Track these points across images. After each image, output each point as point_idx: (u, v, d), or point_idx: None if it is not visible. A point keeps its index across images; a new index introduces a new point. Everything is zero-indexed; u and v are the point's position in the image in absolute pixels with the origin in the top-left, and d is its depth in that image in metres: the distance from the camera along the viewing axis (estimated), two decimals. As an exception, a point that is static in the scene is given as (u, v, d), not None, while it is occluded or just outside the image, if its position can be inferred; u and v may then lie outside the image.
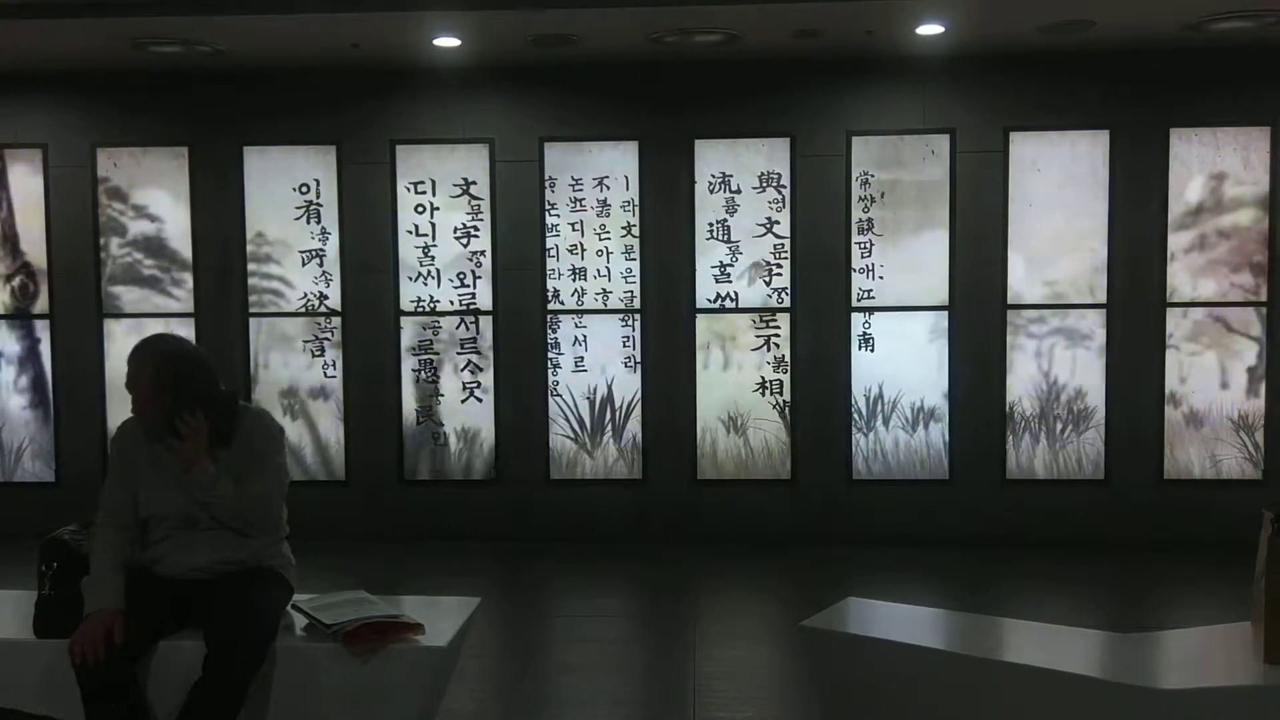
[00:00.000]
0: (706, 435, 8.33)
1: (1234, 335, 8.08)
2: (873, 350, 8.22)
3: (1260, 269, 8.03)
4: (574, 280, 8.32)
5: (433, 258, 8.36)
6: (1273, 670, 3.25)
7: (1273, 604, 3.27)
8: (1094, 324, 8.10)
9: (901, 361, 8.21)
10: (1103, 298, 8.08)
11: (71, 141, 8.39)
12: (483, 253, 8.34)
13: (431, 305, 8.38)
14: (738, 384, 8.31)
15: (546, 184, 8.28)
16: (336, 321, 8.39)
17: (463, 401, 8.42)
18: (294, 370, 8.45)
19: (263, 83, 8.27)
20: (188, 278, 8.45)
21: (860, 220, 8.16)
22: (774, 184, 8.21)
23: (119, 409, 8.30)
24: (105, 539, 3.71)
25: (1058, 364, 8.15)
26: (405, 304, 8.38)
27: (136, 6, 6.79)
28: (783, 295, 8.23)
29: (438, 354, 8.41)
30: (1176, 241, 8.04)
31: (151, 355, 3.76)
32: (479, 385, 8.41)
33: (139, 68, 8.08)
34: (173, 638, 3.64)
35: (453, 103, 8.29)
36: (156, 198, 8.44)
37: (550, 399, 8.36)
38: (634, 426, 8.36)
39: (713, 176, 8.24)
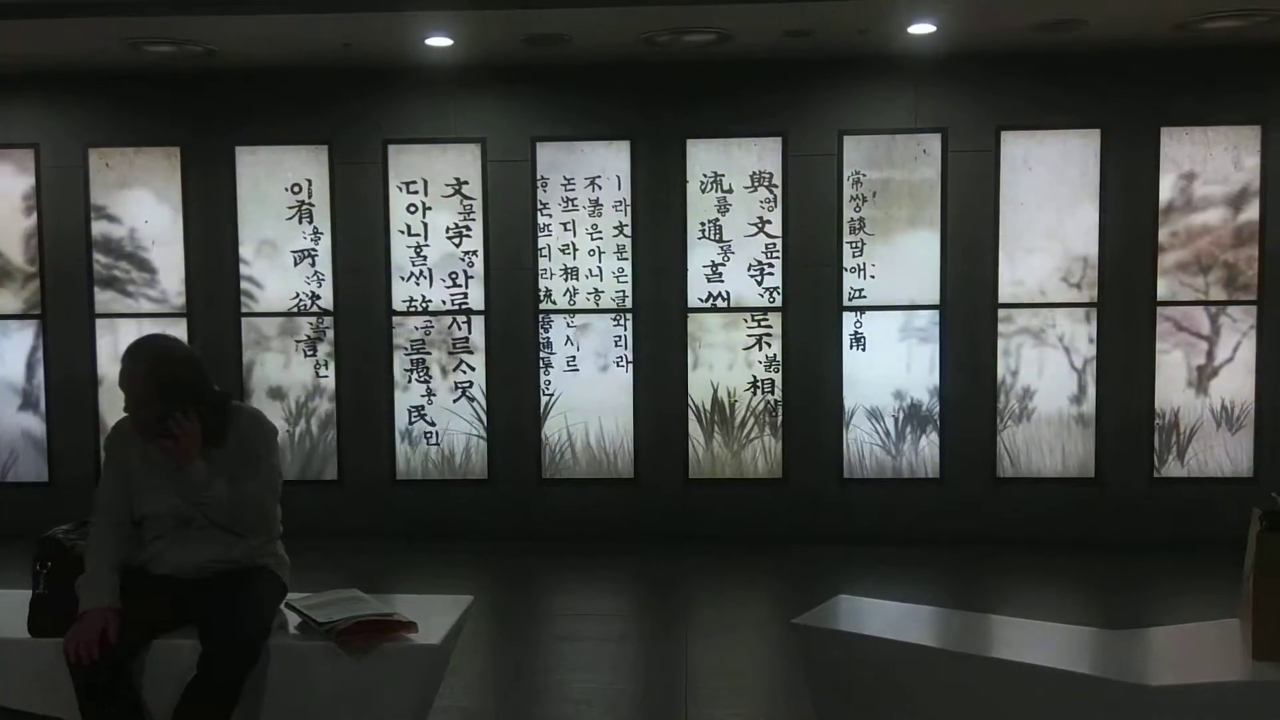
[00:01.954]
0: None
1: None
2: (864, 349, 8.24)
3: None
4: (566, 280, 8.33)
5: (425, 258, 8.36)
6: (1261, 666, 3.27)
7: (1261, 601, 3.29)
8: (1082, 323, 8.15)
9: (889, 360, 8.24)
10: (1093, 296, 8.11)
11: (64, 141, 8.38)
12: (474, 252, 8.34)
13: (424, 305, 8.39)
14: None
15: (538, 184, 8.29)
16: (329, 321, 8.41)
17: (455, 401, 8.43)
18: (285, 370, 8.46)
19: (255, 83, 8.26)
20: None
21: (852, 219, 8.18)
22: (766, 183, 8.23)
23: (113, 409, 8.32)
24: (100, 538, 3.71)
25: (1051, 362, 8.21)
26: (397, 304, 8.38)
27: (129, 6, 6.79)
28: (774, 294, 8.25)
29: (430, 353, 8.42)
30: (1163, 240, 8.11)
31: (144, 356, 3.77)
32: (471, 385, 8.42)
33: (132, 68, 8.08)
34: (167, 636, 3.65)
35: (444, 102, 8.29)
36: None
37: (542, 398, 8.38)
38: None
39: (704, 176, 8.25)
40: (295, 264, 8.40)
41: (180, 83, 8.27)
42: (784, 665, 5.56)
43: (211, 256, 8.39)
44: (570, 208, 8.30)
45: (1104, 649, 3.65)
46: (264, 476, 3.79)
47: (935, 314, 8.17)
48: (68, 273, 8.44)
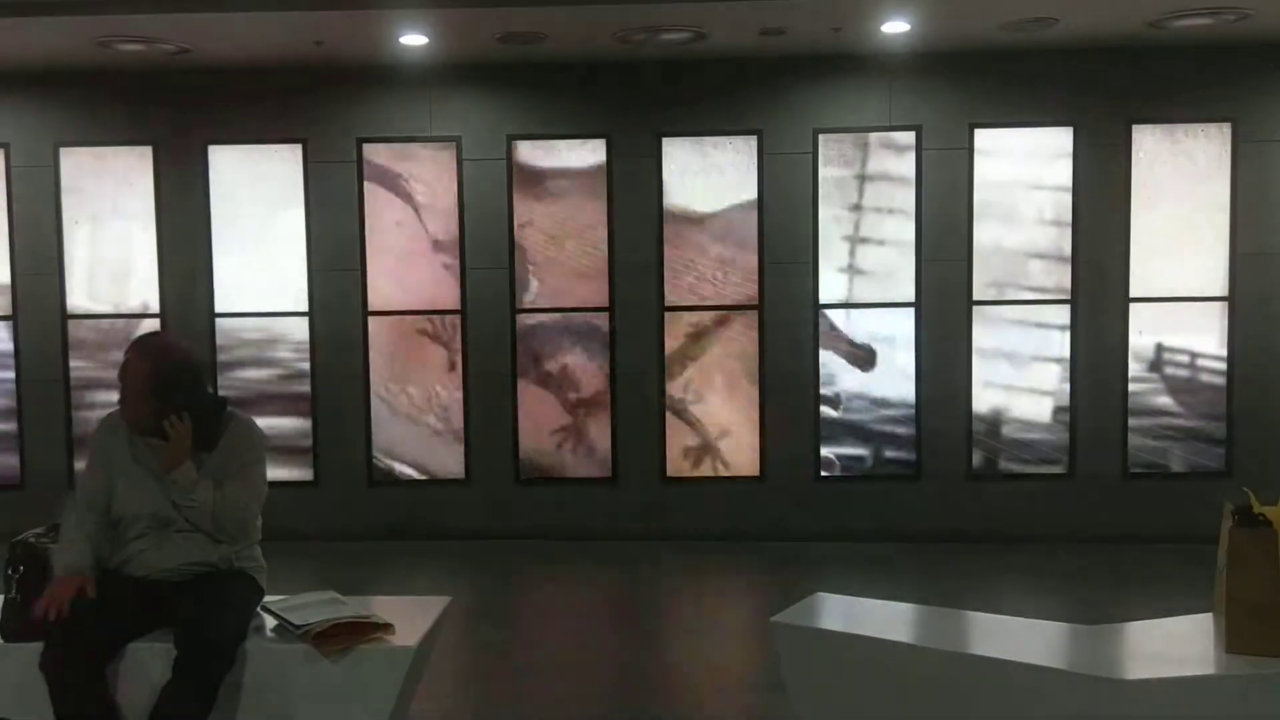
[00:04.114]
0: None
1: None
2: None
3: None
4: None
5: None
6: (1234, 660, 3.30)
7: (1233, 595, 3.31)
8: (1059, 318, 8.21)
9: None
10: (1067, 292, 8.15)
11: (34, 141, 8.30)
12: (451, 252, 8.32)
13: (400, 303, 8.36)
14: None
15: (515, 181, 8.27)
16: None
17: (431, 400, 8.40)
18: (261, 370, 8.42)
19: (228, 81, 8.20)
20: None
21: (827, 217, 8.20)
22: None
23: (86, 411, 8.27)
24: (79, 517, 3.72)
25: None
26: (373, 303, 8.35)
27: (100, 5, 6.73)
28: (751, 293, 8.26)
29: (405, 352, 8.39)
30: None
31: (149, 354, 3.75)
32: (448, 384, 8.38)
33: (103, 67, 8.01)
34: (143, 639, 3.62)
35: (420, 101, 8.26)
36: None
37: (519, 397, 8.36)
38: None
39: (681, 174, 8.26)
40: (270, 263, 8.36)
41: (152, 82, 8.20)
42: (762, 663, 5.57)
43: (185, 256, 8.34)
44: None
45: (1079, 644, 3.67)
46: (249, 485, 3.78)
47: (911, 311, 8.20)
48: (39, 273, 8.37)
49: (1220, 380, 8.17)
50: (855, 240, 8.20)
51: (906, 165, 8.14)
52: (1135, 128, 8.07)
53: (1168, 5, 6.96)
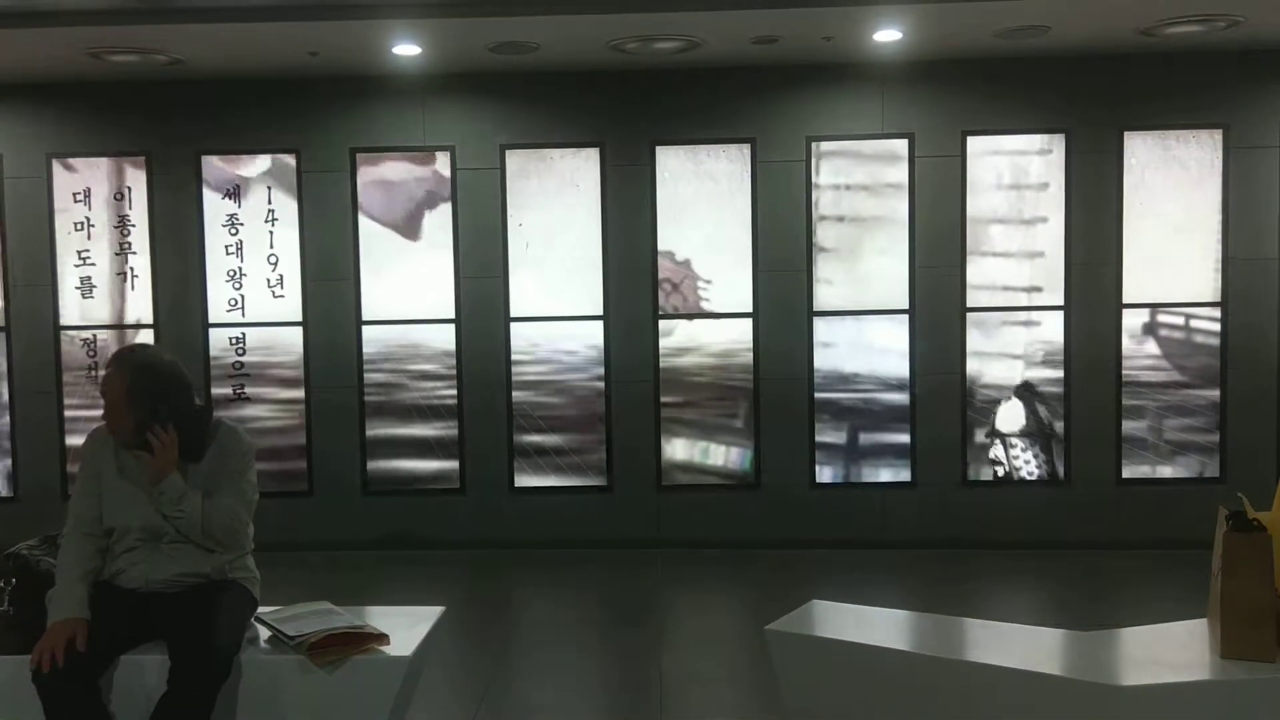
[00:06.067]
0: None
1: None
2: (834, 353, 8.26)
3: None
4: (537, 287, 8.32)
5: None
6: (1229, 665, 3.30)
7: (1228, 600, 3.31)
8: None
9: (859, 363, 8.27)
10: (1060, 299, 8.17)
11: (27, 152, 8.30)
12: (445, 261, 8.32)
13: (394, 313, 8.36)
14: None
15: (508, 191, 8.28)
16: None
17: (426, 408, 8.39)
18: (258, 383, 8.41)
19: (221, 92, 8.21)
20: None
21: (821, 225, 8.21)
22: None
23: (79, 423, 8.24)
24: (72, 548, 3.67)
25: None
26: (367, 313, 8.34)
27: (93, 16, 6.73)
28: (744, 301, 8.26)
29: (400, 362, 8.38)
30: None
31: (129, 366, 3.73)
32: (442, 393, 8.38)
33: (96, 77, 8.01)
34: (136, 651, 3.61)
35: (413, 111, 8.26)
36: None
37: (514, 406, 8.35)
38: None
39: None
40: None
41: (145, 92, 8.20)
42: (758, 672, 5.56)
43: (178, 266, 8.33)
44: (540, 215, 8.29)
45: (1075, 650, 3.67)
46: (238, 494, 3.76)
47: (904, 318, 8.21)
48: (32, 283, 8.35)
49: (1214, 341, 8.16)
50: (849, 247, 8.21)
51: (898, 172, 8.17)
52: (1127, 134, 8.09)
53: (1159, 12, 6.98)
